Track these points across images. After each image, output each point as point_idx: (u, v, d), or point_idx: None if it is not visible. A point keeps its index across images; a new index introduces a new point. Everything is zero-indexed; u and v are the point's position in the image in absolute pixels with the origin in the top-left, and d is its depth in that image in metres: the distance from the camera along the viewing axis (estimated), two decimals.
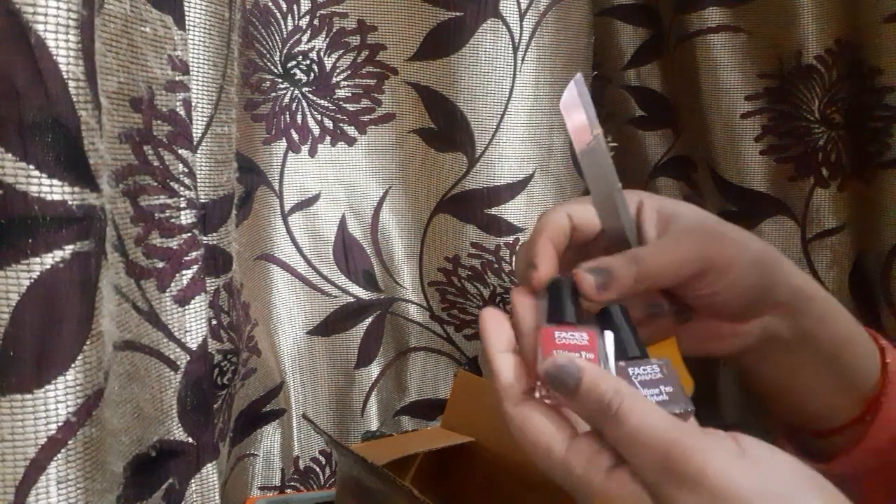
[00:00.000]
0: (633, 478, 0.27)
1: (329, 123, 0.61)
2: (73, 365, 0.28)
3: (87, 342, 0.29)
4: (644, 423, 0.27)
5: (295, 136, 0.60)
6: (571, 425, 0.30)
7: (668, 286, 0.34)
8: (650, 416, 0.27)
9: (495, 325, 0.33)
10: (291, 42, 0.58)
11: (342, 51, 0.59)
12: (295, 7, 0.57)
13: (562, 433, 0.29)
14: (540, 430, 0.29)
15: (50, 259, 0.28)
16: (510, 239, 0.61)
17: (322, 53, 0.59)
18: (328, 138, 0.61)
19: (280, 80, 0.58)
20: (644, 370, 0.31)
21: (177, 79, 0.38)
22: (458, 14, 0.57)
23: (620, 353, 0.32)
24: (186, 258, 0.39)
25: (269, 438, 0.61)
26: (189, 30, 0.41)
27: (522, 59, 0.58)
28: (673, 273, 0.33)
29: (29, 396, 0.28)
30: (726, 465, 0.25)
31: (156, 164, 0.37)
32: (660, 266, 0.32)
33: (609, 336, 0.33)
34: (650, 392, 0.30)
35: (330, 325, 0.63)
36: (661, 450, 0.26)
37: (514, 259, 0.62)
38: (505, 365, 0.31)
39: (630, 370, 0.31)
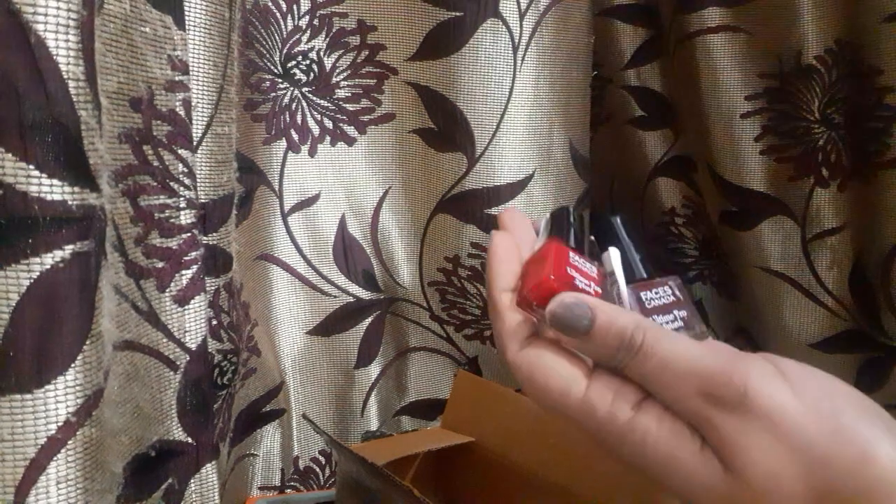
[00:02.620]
0: (666, 410, 0.25)
1: (329, 123, 0.61)
2: (72, 365, 0.28)
3: (87, 342, 0.29)
4: (673, 354, 0.25)
5: (295, 136, 0.60)
6: (587, 362, 0.27)
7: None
8: (678, 345, 0.25)
9: (505, 255, 0.29)
10: (291, 42, 0.58)
11: (342, 51, 0.59)
12: (295, 7, 0.57)
13: (577, 372, 0.26)
14: (551, 371, 0.26)
15: (50, 259, 0.28)
16: None
17: (322, 53, 0.59)
18: (328, 138, 0.61)
19: (280, 80, 0.58)
20: (656, 293, 0.29)
21: (177, 79, 0.38)
22: (457, 14, 0.57)
23: (628, 275, 0.29)
24: (186, 258, 0.39)
25: (269, 438, 0.61)
26: (189, 30, 0.41)
27: (522, 59, 0.58)
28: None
29: (29, 396, 0.28)
30: (767, 384, 0.24)
31: (156, 164, 0.37)
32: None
33: (615, 254, 0.30)
34: (665, 319, 0.28)
35: (330, 325, 0.63)
36: (695, 377, 0.24)
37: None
38: (508, 305, 0.28)
39: (642, 295, 0.29)
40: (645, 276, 0.30)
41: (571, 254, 0.27)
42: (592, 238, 0.32)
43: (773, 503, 0.23)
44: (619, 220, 0.31)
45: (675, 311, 0.28)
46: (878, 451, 0.23)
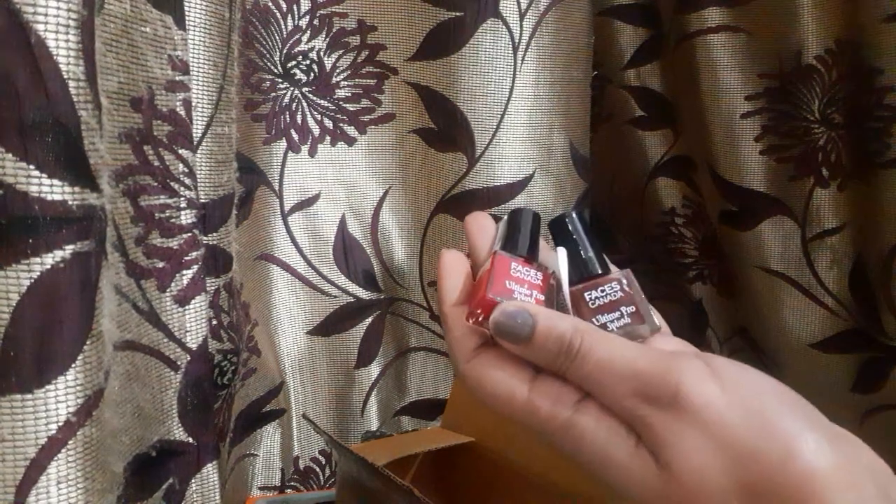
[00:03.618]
0: (604, 409, 0.26)
1: (329, 123, 0.61)
2: (73, 365, 0.28)
3: (87, 342, 0.29)
4: (609, 357, 0.26)
5: (295, 135, 0.60)
6: (530, 367, 0.28)
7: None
8: (614, 347, 0.26)
9: (453, 273, 0.31)
10: (291, 42, 0.58)
11: (342, 51, 0.59)
12: (295, 7, 0.57)
13: (521, 376, 0.28)
14: (497, 379, 0.28)
15: (50, 259, 0.28)
16: None
17: (322, 53, 0.59)
18: (328, 138, 0.61)
19: (280, 80, 0.58)
20: (602, 292, 0.29)
21: (177, 79, 0.38)
22: (458, 14, 0.57)
23: (576, 271, 0.30)
24: (187, 258, 0.39)
25: (269, 438, 0.61)
26: (189, 30, 0.41)
27: (522, 59, 0.58)
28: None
29: (29, 396, 0.28)
30: (697, 383, 0.25)
31: (156, 164, 0.37)
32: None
33: (562, 253, 0.30)
34: (610, 318, 0.29)
35: (330, 325, 0.63)
36: (630, 378, 0.25)
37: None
38: (457, 319, 0.29)
39: (586, 295, 0.29)
40: (599, 272, 0.30)
41: (514, 264, 0.29)
42: (551, 238, 0.33)
43: (703, 498, 0.24)
44: (574, 215, 0.32)
45: (623, 308, 0.29)
46: (802, 446, 0.23)
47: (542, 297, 0.28)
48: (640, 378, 0.25)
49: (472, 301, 0.29)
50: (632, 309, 0.29)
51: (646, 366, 0.25)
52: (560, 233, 0.32)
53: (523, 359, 0.28)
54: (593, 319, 0.29)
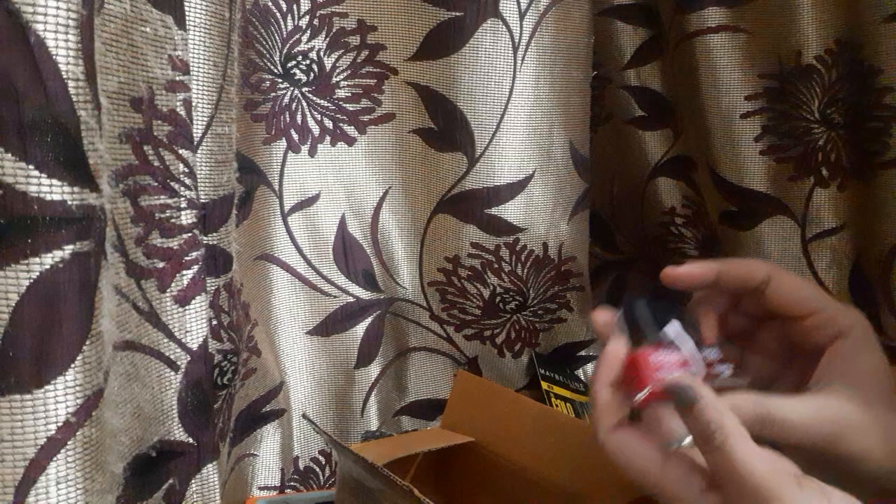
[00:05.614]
0: (726, 501, 0.29)
1: (329, 123, 0.61)
2: (72, 365, 0.28)
3: (87, 342, 0.29)
4: (745, 467, 0.29)
5: (295, 135, 0.60)
6: (662, 447, 0.33)
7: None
8: (752, 461, 0.29)
9: (612, 361, 0.35)
10: (291, 42, 0.58)
11: (342, 51, 0.59)
12: (295, 7, 0.57)
13: (654, 455, 0.32)
14: (633, 453, 0.33)
15: (49, 259, 0.28)
16: (510, 239, 0.61)
17: (322, 53, 0.59)
18: (328, 138, 0.61)
19: (280, 80, 0.58)
20: (711, 352, 0.36)
21: (177, 79, 0.38)
22: (457, 14, 0.57)
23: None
24: (187, 258, 0.39)
25: (269, 438, 0.61)
26: (189, 30, 0.41)
27: (522, 59, 0.58)
28: (803, 438, 0.33)
29: (28, 397, 0.28)
30: None
31: (156, 164, 0.37)
32: (792, 429, 0.33)
33: (675, 326, 0.36)
34: (721, 369, 0.35)
35: (330, 325, 0.63)
36: (756, 496, 0.28)
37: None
38: (603, 397, 0.35)
39: (703, 353, 0.36)
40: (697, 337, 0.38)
41: (651, 357, 0.34)
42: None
43: None
44: (672, 303, 0.39)
45: (722, 367, 0.36)
46: None
47: (693, 372, 0.35)
48: (761, 495, 0.28)
49: (631, 393, 0.34)
50: (727, 367, 0.36)
51: (771, 492, 0.28)
52: (663, 311, 0.38)
53: (657, 437, 0.33)
54: (711, 368, 0.36)
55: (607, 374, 0.35)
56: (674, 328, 0.37)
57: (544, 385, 0.63)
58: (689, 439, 0.33)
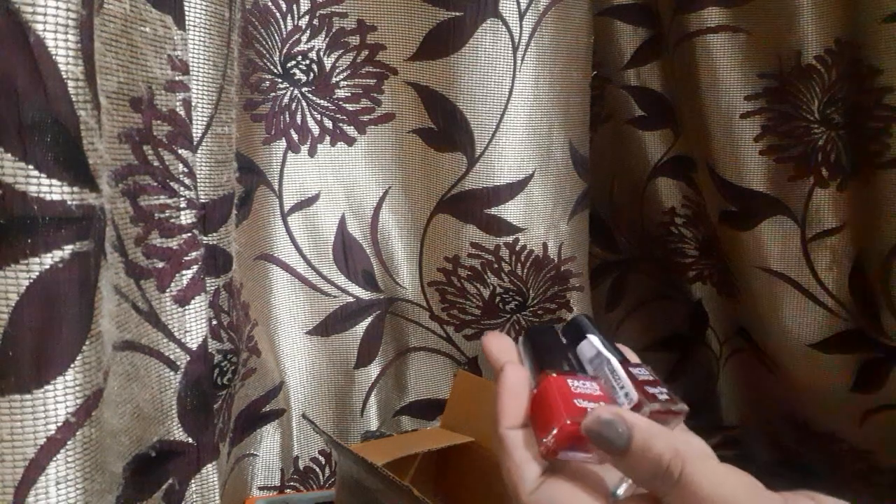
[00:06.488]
0: None
1: (329, 123, 0.61)
2: (72, 365, 0.28)
3: (87, 342, 0.29)
4: (717, 491, 0.23)
5: (294, 135, 0.60)
6: (604, 488, 0.26)
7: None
8: (723, 482, 0.23)
9: (516, 394, 0.28)
10: (291, 42, 0.58)
11: (342, 51, 0.59)
12: (294, 7, 0.57)
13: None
14: None
15: (49, 259, 0.28)
16: (510, 239, 0.61)
17: (322, 53, 0.59)
18: (328, 138, 0.61)
19: (280, 80, 0.58)
20: (641, 371, 0.29)
21: (177, 79, 0.38)
22: (457, 14, 0.57)
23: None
24: (186, 258, 0.39)
25: (268, 438, 0.61)
26: (189, 30, 0.41)
27: (522, 59, 0.58)
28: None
29: (28, 397, 0.28)
30: None
31: (156, 164, 0.37)
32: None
33: (595, 340, 0.30)
34: (656, 391, 0.28)
35: (329, 325, 0.63)
36: None
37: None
38: (515, 443, 0.27)
39: (632, 370, 0.29)
40: (620, 357, 0.31)
41: (570, 381, 0.28)
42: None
43: None
44: (584, 318, 0.33)
45: (659, 388, 0.28)
46: None
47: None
48: None
49: (542, 432, 0.27)
50: (664, 389, 0.28)
51: None
52: (578, 333, 0.32)
53: (597, 485, 0.26)
54: (645, 388, 0.28)
55: (515, 412, 0.28)
56: (593, 343, 0.31)
57: None
58: (626, 484, 0.27)
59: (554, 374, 0.28)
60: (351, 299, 0.63)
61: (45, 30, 0.27)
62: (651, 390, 0.28)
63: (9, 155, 0.27)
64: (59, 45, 0.27)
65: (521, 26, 0.57)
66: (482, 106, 0.58)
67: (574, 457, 0.26)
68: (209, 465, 0.41)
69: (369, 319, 0.64)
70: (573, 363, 0.30)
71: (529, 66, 0.58)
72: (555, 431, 0.26)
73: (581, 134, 0.64)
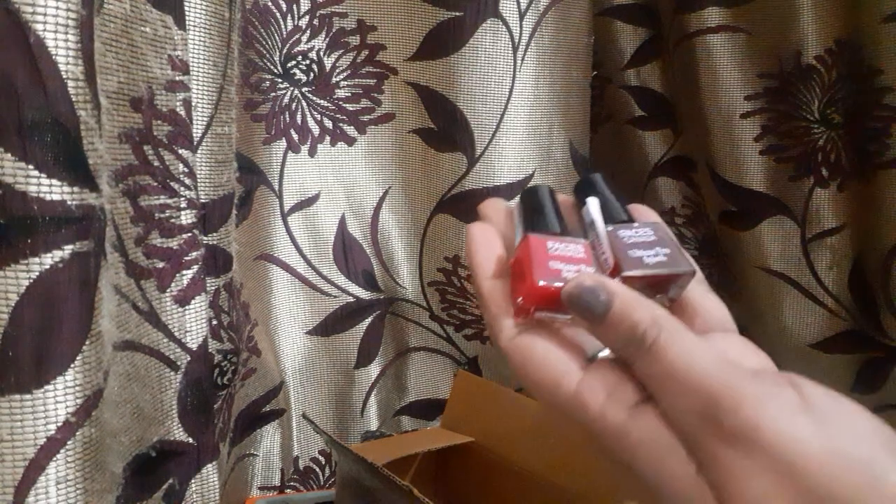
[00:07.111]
0: (663, 420, 0.22)
1: (329, 123, 0.61)
2: (72, 365, 0.28)
3: (87, 342, 0.29)
4: (682, 362, 0.22)
5: (294, 135, 0.60)
6: (582, 352, 0.25)
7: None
8: (692, 354, 0.22)
9: (484, 245, 0.28)
10: (291, 42, 0.58)
11: (342, 51, 0.59)
12: (295, 7, 0.57)
13: (572, 361, 0.24)
14: (543, 361, 0.24)
15: (49, 259, 0.28)
16: None
17: (322, 53, 0.59)
18: (328, 138, 0.61)
19: (280, 80, 0.58)
20: (636, 232, 0.28)
21: (177, 79, 0.38)
22: (457, 14, 0.57)
23: (608, 218, 0.29)
24: (186, 258, 0.39)
25: (268, 438, 0.61)
26: (189, 30, 0.41)
27: (522, 59, 0.58)
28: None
29: (28, 397, 0.28)
30: (786, 420, 0.20)
31: (156, 164, 0.37)
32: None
33: (594, 202, 0.29)
34: (646, 253, 0.27)
35: (330, 325, 0.63)
36: (703, 395, 0.21)
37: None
38: (495, 293, 0.27)
39: (620, 233, 0.28)
40: (626, 219, 0.29)
41: (550, 243, 0.27)
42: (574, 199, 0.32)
43: None
44: (598, 176, 0.31)
45: (658, 248, 0.27)
46: None
47: (591, 270, 0.26)
48: (713, 398, 0.21)
49: (515, 292, 0.26)
50: (667, 251, 0.27)
51: (722, 385, 0.21)
52: (586, 192, 0.31)
53: (576, 342, 0.25)
54: (629, 252, 0.27)
55: (487, 262, 0.28)
56: (588, 206, 0.29)
57: None
58: (605, 351, 0.25)
59: (535, 235, 0.27)
60: (351, 299, 0.63)
61: (45, 30, 0.27)
62: (638, 253, 0.27)
63: (9, 155, 0.27)
64: (59, 45, 0.27)
65: (521, 26, 0.57)
66: (482, 106, 0.58)
67: (552, 317, 0.26)
68: (209, 465, 0.41)
69: (369, 319, 0.64)
70: (564, 224, 0.29)
71: (529, 66, 0.58)
72: (524, 292, 0.25)
73: (581, 134, 0.64)
